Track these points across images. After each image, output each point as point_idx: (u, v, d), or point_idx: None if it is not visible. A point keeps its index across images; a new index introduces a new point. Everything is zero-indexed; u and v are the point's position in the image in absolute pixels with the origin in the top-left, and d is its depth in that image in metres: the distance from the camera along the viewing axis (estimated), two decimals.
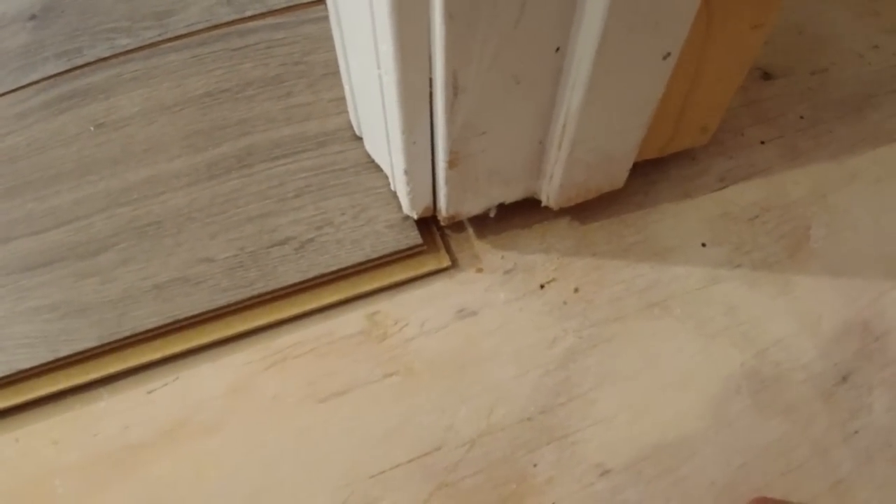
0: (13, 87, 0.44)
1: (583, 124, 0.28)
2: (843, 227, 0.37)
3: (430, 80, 0.25)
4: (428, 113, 0.26)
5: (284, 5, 0.45)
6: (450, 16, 0.21)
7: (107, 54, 0.44)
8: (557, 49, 0.25)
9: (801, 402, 0.31)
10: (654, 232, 0.35)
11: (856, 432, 0.31)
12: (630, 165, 0.33)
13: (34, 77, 0.45)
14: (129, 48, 0.44)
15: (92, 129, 0.39)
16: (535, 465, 0.28)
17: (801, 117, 0.43)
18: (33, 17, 0.49)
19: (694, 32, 0.26)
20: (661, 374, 0.31)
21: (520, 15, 0.23)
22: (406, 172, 0.29)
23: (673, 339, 0.32)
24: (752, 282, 0.34)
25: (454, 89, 0.24)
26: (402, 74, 0.24)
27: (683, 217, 0.36)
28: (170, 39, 0.44)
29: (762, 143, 0.41)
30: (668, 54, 0.26)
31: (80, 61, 0.44)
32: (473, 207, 0.33)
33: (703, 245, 0.35)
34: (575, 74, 0.25)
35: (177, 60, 0.43)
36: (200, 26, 0.45)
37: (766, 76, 0.46)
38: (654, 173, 0.37)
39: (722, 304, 0.33)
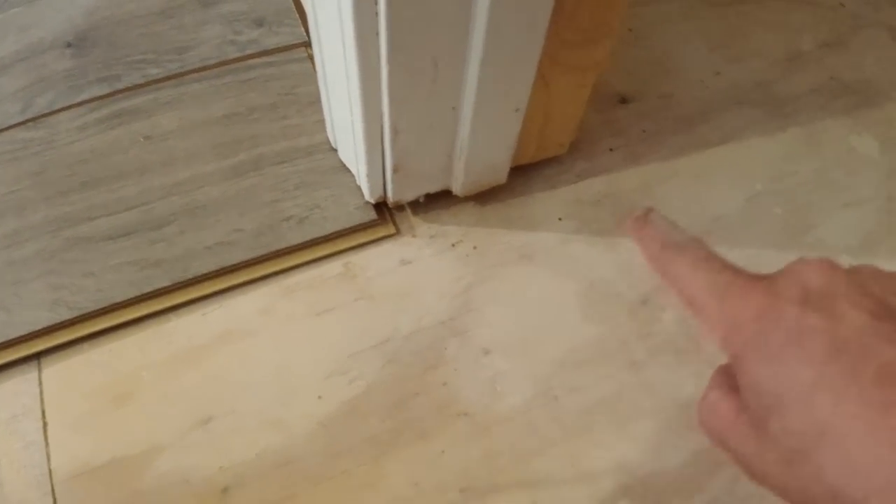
0: (69, 104, 0.60)
1: (472, 147, 0.46)
2: (658, 200, 0.56)
3: (381, 124, 0.43)
4: (380, 141, 0.45)
5: (274, 47, 0.62)
6: (391, 83, 0.40)
7: (142, 81, 0.60)
8: (454, 108, 0.43)
9: (613, 315, 0.50)
10: (528, 211, 0.54)
11: (649, 334, 0.50)
12: (508, 169, 0.52)
13: (84, 97, 0.60)
14: (159, 77, 0.60)
15: (142, 140, 0.56)
16: (446, 349, 0.47)
17: (644, 130, 0.62)
18: (69, 44, 0.64)
19: (536, 92, 0.45)
20: (528, 296, 0.50)
21: (432, 84, 0.41)
22: (367, 175, 0.47)
23: (536, 276, 0.51)
24: (591, 243, 0.54)
25: (395, 131, 0.42)
26: (364, 118, 0.42)
27: (548, 201, 0.55)
28: (191, 71, 0.60)
29: (611, 150, 0.60)
30: (518, 109, 0.45)
31: (120, 86, 0.60)
32: (409, 196, 0.51)
33: (560, 219, 0.54)
34: (464, 120, 0.44)
35: (199, 88, 0.59)
36: (213, 62, 0.61)
37: (623, 100, 0.65)
38: (529, 172, 0.56)
39: (569, 257, 0.53)
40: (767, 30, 0.75)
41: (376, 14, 0.35)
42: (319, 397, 0.45)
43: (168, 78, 0.60)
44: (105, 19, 0.65)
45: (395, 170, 0.47)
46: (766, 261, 0.47)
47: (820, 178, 0.62)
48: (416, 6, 0.35)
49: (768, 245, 0.55)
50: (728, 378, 0.25)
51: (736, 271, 0.26)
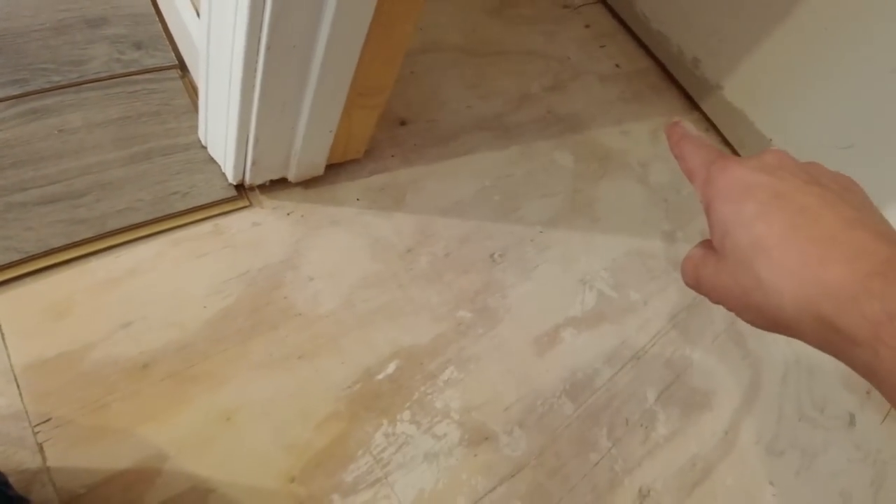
0: None
1: (303, 151, 0.75)
2: (420, 190, 0.89)
3: (247, 135, 0.70)
4: (245, 145, 0.71)
5: (153, 67, 0.85)
6: (259, 113, 0.67)
7: (48, 86, 0.80)
8: (293, 128, 0.71)
9: (388, 258, 0.82)
10: (336, 194, 0.84)
11: (411, 269, 0.83)
12: (324, 165, 0.81)
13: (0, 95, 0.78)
14: (62, 83, 0.80)
15: (56, 132, 0.76)
16: (285, 276, 0.75)
17: (415, 144, 0.94)
18: None
19: (342, 120, 0.75)
20: (336, 246, 0.79)
21: (282, 114, 0.69)
22: (233, 166, 0.74)
23: (341, 234, 0.81)
24: (376, 215, 0.84)
25: (256, 140, 0.69)
26: (238, 131, 0.69)
27: (350, 188, 0.85)
28: (88, 81, 0.81)
29: (392, 156, 0.91)
30: (331, 130, 0.74)
31: (30, 88, 0.79)
32: (259, 180, 0.78)
33: (357, 199, 0.85)
34: (299, 135, 0.72)
35: (96, 95, 0.80)
36: (104, 75, 0.82)
37: (402, 123, 0.97)
38: (338, 168, 0.85)
39: (362, 223, 0.83)
40: (508, 76, 1.12)
41: (255, 72, 0.62)
42: (204, 307, 0.70)
43: (70, 85, 0.80)
44: (6, 30, 0.82)
45: (254, 163, 0.74)
46: (485, 230, 0.83)
47: (528, 178, 0.99)
48: (277, 75, 0.63)
49: (487, 219, 0.90)
50: (703, 245, 0.34)
51: (722, 153, 0.34)
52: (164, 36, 0.89)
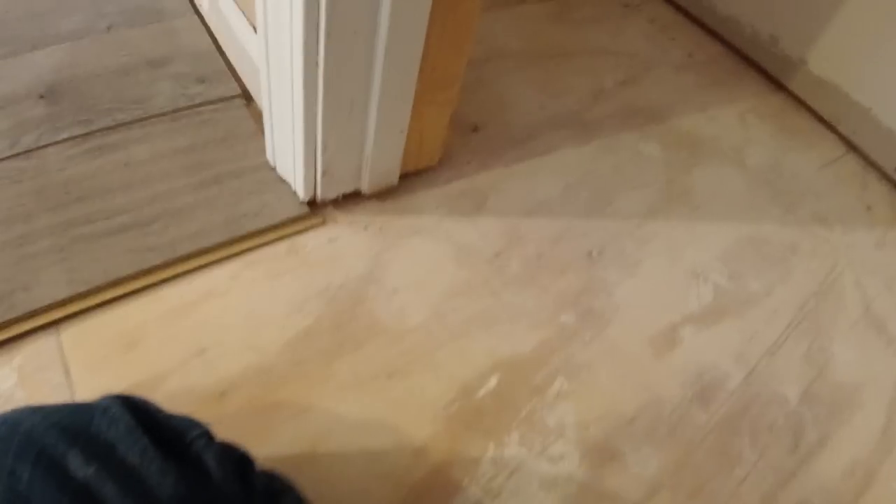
0: (54, 141, 0.76)
1: (375, 158, 0.69)
2: (502, 192, 0.82)
3: (315, 143, 0.65)
4: (314, 154, 0.66)
5: (217, 98, 0.83)
6: (324, 116, 0.62)
7: (112, 124, 0.78)
8: (362, 130, 0.66)
9: (476, 264, 0.74)
10: (414, 203, 0.78)
11: (501, 274, 0.75)
12: (398, 174, 0.75)
13: (65, 135, 0.77)
14: (126, 120, 0.79)
15: (122, 166, 0.74)
16: (367, 291, 0.68)
17: (491, 148, 0.87)
18: (42, 96, 0.81)
19: (413, 119, 0.69)
20: (419, 256, 0.73)
21: (349, 115, 0.64)
22: (304, 180, 0.69)
23: (423, 244, 0.74)
24: (457, 221, 0.77)
25: (325, 147, 0.65)
26: (305, 140, 0.64)
27: (427, 196, 0.79)
28: (153, 116, 0.79)
29: (468, 162, 0.85)
30: (402, 130, 0.68)
31: (94, 127, 0.78)
32: (332, 194, 0.73)
33: (437, 207, 0.78)
34: (369, 139, 0.67)
35: (162, 128, 0.78)
36: (169, 109, 0.81)
37: (475, 129, 0.91)
38: (412, 178, 0.79)
39: (444, 230, 0.76)
40: (578, 75, 1.05)
41: (317, 67, 0.57)
42: (283, 328, 0.64)
43: (135, 121, 0.78)
44: (71, 76, 0.82)
45: (324, 174, 0.69)
46: (577, 227, 0.75)
47: (615, 172, 0.90)
48: (340, 68, 0.58)
49: (578, 215, 0.82)
50: None
51: None
52: (227, 70, 0.87)
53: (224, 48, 0.90)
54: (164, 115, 0.80)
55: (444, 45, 0.64)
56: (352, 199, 0.76)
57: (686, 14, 1.29)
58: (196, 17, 0.95)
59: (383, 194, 0.77)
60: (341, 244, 0.72)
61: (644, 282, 0.77)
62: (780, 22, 1.13)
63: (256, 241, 0.70)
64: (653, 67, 1.12)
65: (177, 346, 0.62)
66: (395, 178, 0.76)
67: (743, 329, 0.76)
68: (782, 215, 0.92)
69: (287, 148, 0.68)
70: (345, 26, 0.56)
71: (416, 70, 0.63)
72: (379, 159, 0.71)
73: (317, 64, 0.57)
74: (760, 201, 0.93)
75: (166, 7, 0.95)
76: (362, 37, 0.58)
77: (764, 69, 1.20)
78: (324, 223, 0.74)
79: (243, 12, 0.77)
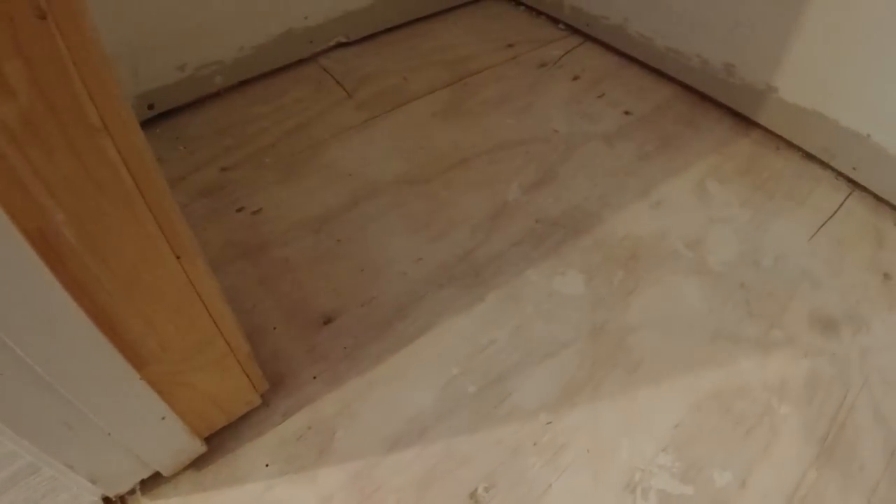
0: None
1: (145, 448, 0.52)
2: (356, 419, 0.62)
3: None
4: (71, 474, 0.50)
5: None
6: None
7: None
8: (109, 434, 0.49)
9: None
10: (236, 467, 0.59)
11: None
12: (200, 442, 0.57)
13: None
14: None
15: None
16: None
17: (345, 348, 0.67)
18: None
19: (177, 395, 0.51)
20: None
21: (69, 427, 0.47)
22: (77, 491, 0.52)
23: None
24: (293, 481, 0.57)
25: (70, 468, 0.48)
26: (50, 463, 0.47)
27: (255, 451, 0.60)
28: None
29: (314, 378, 0.65)
30: (164, 416, 0.50)
31: None
32: (126, 487, 0.56)
33: (266, 465, 0.59)
34: (133, 449, 0.50)
35: None
36: None
37: (327, 321, 0.69)
38: (237, 426, 0.61)
39: (275, 501, 0.57)
40: (473, 191, 0.84)
41: None
42: None
43: None
44: None
45: (94, 481, 0.51)
46: (457, 452, 0.53)
47: (519, 336, 0.68)
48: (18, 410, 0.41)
49: (460, 432, 0.61)
50: None
51: None
52: None
53: None
54: None
55: (159, 320, 0.46)
56: (156, 480, 0.58)
57: (620, 55, 1.05)
58: None
59: (197, 462, 0.59)
60: None
61: None
62: (732, 45, 0.88)
63: None
64: (576, 147, 0.90)
65: None
66: (196, 449, 0.58)
67: None
68: (762, 335, 0.67)
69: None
70: None
71: (115, 364, 0.46)
72: (153, 451, 0.53)
73: None
74: (729, 322, 0.69)
75: None
76: (9, 374, 0.40)
77: (725, 105, 0.95)
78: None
79: None
